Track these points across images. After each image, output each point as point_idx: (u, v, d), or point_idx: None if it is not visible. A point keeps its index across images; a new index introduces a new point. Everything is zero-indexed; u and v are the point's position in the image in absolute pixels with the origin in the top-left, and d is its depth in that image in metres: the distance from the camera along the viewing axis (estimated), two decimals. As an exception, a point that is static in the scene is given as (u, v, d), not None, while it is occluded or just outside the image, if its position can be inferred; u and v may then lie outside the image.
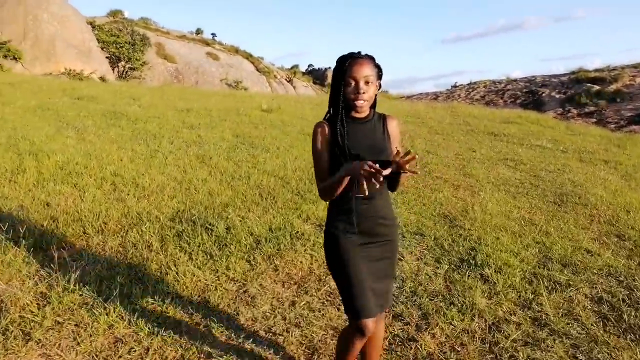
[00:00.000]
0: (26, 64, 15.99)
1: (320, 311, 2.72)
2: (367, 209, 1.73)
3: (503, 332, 2.57)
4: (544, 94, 18.79)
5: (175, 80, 24.28)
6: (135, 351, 2.26)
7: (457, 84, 25.07)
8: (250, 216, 3.96)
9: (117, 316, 2.49)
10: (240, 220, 3.84)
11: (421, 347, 2.41)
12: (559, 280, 3.18)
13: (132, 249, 3.29)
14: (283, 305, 2.77)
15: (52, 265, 2.90)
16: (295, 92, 31.94)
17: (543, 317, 2.73)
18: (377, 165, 1.50)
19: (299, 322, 2.60)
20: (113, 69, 21.11)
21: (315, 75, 43.55)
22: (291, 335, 2.47)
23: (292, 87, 33.92)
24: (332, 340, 2.45)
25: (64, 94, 10.60)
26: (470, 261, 3.41)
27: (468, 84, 23.85)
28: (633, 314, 2.80)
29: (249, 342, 2.38)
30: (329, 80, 34.32)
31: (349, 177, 1.61)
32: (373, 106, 1.77)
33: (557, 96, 18.31)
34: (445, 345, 2.46)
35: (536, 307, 2.84)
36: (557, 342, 2.49)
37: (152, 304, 2.64)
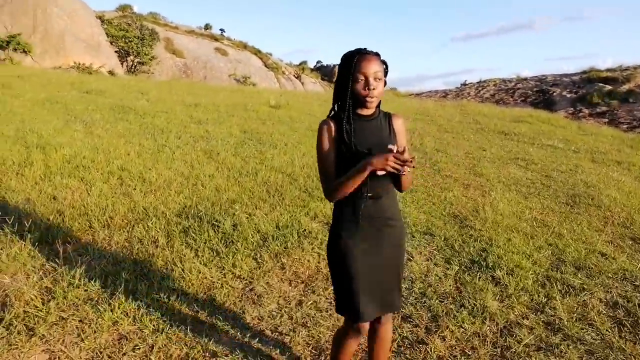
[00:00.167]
0: (36, 57, 16.08)
1: (327, 311, 2.67)
2: (374, 209, 1.68)
3: (515, 337, 2.50)
4: (554, 93, 18.55)
5: (184, 75, 24.31)
6: (139, 348, 2.22)
7: (467, 82, 24.85)
8: (257, 213, 3.92)
9: (121, 313, 2.45)
10: (247, 217, 3.80)
11: (431, 350, 2.35)
12: (573, 284, 3.10)
13: (138, 245, 3.26)
14: (290, 304, 2.73)
15: (57, 259, 2.88)
16: (304, 88, 31.87)
17: (556, 322, 2.66)
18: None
19: (306, 322, 2.56)
20: (122, 63, 21.18)
21: (324, 71, 43.47)
22: (298, 335, 2.42)
23: (301, 83, 33.84)
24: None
25: (72, 88, 10.63)
26: (481, 262, 3.34)
27: (478, 82, 23.61)
28: (650, 320, 2.72)
29: (255, 342, 2.34)
30: (337, 76, 34.09)
31: (368, 172, 1.56)
32: (378, 104, 1.72)
33: (568, 96, 18.06)
34: (455, 348, 2.39)
35: (549, 311, 2.77)
36: (571, 347, 2.42)
37: (157, 300, 2.61)
